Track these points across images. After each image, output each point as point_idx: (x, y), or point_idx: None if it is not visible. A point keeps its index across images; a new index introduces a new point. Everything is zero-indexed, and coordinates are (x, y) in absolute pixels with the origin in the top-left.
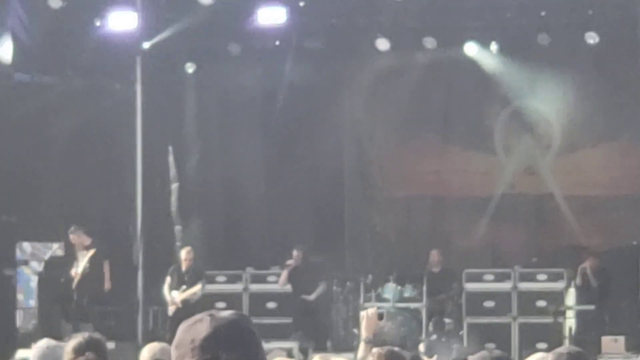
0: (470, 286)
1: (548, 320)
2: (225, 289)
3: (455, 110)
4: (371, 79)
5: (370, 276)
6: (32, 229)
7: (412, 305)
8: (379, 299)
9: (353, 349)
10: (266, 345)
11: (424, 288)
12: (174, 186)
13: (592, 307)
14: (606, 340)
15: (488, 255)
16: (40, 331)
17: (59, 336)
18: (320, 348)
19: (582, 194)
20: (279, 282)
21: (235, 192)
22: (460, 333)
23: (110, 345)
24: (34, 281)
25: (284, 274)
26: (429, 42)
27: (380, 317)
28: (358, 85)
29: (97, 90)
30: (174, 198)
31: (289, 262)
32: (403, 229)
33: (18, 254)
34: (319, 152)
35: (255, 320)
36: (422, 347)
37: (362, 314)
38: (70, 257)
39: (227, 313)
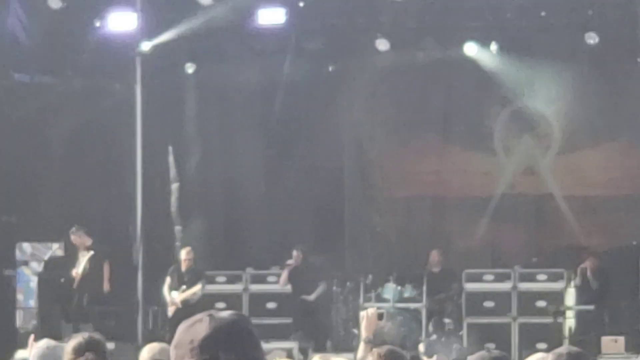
0: (470, 286)
1: (548, 320)
2: (225, 289)
3: (455, 110)
4: (371, 79)
5: (370, 276)
6: (32, 229)
7: (412, 305)
8: (379, 299)
9: (353, 349)
10: (266, 346)
11: (424, 288)
12: (174, 186)
13: (592, 307)
14: (606, 340)
15: (488, 256)
16: (40, 331)
17: (58, 336)
18: (320, 348)
19: (582, 194)
20: (279, 282)
21: (235, 193)
22: (460, 333)
23: (110, 345)
24: (33, 281)
25: (284, 273)
26: (429, 43)
27: (380, 317)
28: (358, 86)
29: (97, 91)
30: (174, 198)
31: (289, 262)
32: (403, 229)
33: (18, 254)
34: (318, 152)
35: (255, 321)
36: (421, 347)
37: (362, 314)
38: (70, 257)
39: (226, 313)
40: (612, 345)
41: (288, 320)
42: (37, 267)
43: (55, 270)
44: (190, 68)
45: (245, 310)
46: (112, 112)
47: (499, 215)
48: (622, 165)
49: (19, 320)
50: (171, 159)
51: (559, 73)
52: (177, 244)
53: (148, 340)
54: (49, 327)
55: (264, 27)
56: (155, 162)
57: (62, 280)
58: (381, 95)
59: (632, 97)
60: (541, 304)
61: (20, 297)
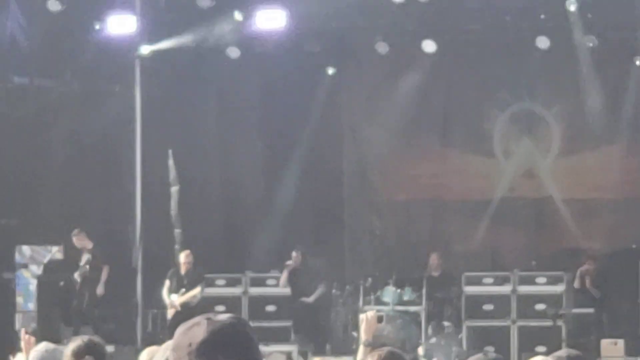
0: (470, 289)
1: (547, 323)
2: (225, 292)
3: (454, 113)
4: (370, 82)
5: (369, 279)
6: (31, 232)
7: (412, 308)
8: (379, 302)
9: (352, 352)
10: (265, 349)
11: (424, 291)
12: (174, 189)
13: (591, 310)
14: (605, 343)
15: (487, 259)
16: (40, 334)
17: (58, 339)
18: (320, 351)
19: (581, 197)
20: (279, 283)
21: (235, 196)
22: (460, 336)
23: (110, 348)
24: (33, 284)
25: (284, 274)
26: (428, 46)
27: (380, 320)
28: (357, 88)
29: (97, 94)
30: (173, 201)
31: (288, 262)
32: (402, 232)
33: (17, 257)
34: (318, 155)
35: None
36: (421, 350)
37: (362, 317)
38: (69, 260)
39: (224, 317)
40: (612, 348)
41: (287, 323)
42: (37, 270)
43: (54, 273)
44: (190, 71)
45: (244, 313)
46: (112, 115)
47: (499, 218)
48: (621, 168)
49: (18, 324)
50: (171, 162)
51: (558, 76)
52: (177, 247)
53: (147, 343)
54: (48, 330)
55: (263, 30)
56: (154, 165)
57: (62, 283)
58: (380, 98)
59: (631, 100)
60: (540, 307)
61: (19, 300)
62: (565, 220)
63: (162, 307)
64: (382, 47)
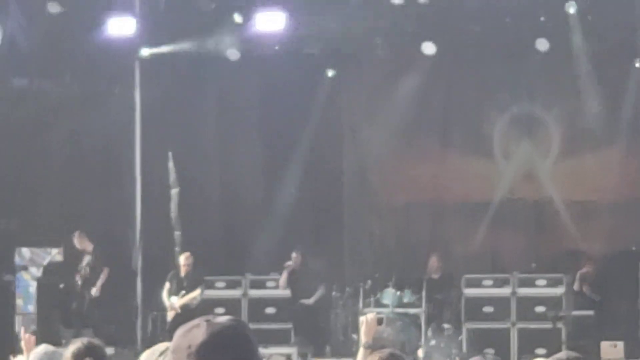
0: (469, 291)
1: (547, 325)
2: (224, 295)
3: (454, 115)
4: (370, 83)
5: (369, 281)
6: (31, 234)
7: (411, 310)
8: (378, 304)
9: (352, 354)
10: (265, 351)
11: (423, 293)
12: (173, 192)
13: (591, 312)
14: (605, 345)
15: (487, 261)
16: (39, 337)
17: (58, 342)
18: (319, 353)
19: (581, 200)
20: (279, 284)
21: (235, 198)
22: (460, 338)
23: (110, 350)
24: (33, 287)
25: (284, 275)
26: (428, 47)
27: (380, 322)
28: (357, 90)
29: (96, 96)
30: (173, 204)
31: (288, 263)
32: (402, 234)
33: (17, 259)
34: (318, 157)
35: (254, 326)
36: (421, 353)
37: (361, 319)
38: (68, 262)
39: (223, 319)
40: (611, 351)
41: (287, 326)
42: (36, 272)
43: (54, 276)
44: (189, 73)
45: (244, 316)
46: (112, 117)
47: (498, 220)
48: (621, 170)
49: (18, 326)
50: (171, 164)
51: (558, 78)
52: (176, 249)
53: (147, 345)
54: (48, 333)
55: (263, 32)
56: (154, 167)
57: (62, 285)
58: (380, 100)
59: (630, 102)
60: (540, 309)
61: (19, 302)
62: (565, 222)
63: (162, 309)
64: (381, 49)
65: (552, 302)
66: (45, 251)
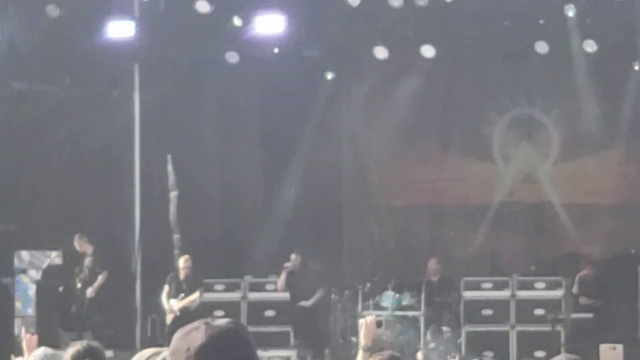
0: (469, 294)
1: (546, 328)
2: (224, 297)
3: (453, 118)
4: (369, 87)
5: (368, 284)
6: (30, 237)
7: (411, 313)
8: (377, 307)
9: (351, 357)
10: (264, 354)
11: (422, 296)
12: (173, 194)
13: (590, 315)
14: (604, 348)
15: (486, 264)
16: (39, 340)
17: (57, 345)
18: (319, 356)
19: (580, 202)
20: (277, 285)
21: (234, 201)
22: (459, 341)
23: (109, 353)
24: (32, 289)
25: (282, 276)
26: (427, 50)
27: (379, 325)
28: (356, 93)
29: (96, 99)
30: (172, 206)
31: (287, 264)
32: (401, 237)
33: (16, 262)
34: (317, 160)
35: (253, 329)
36: (420, 356)
37: (361, 322)
38: (68, 265)
39: (222, 322)
40: (611, 353)
41: (286, 329)
42: (36, 275)
43: (53, 279)
44: (189, 76)
45: (243, 318)
46: (111, 120)
47: (498, 223)
48: (620, 172)
49: (17, 329)
50: (170, 167)
51: (558, 81)
52: (176, 252)
53: (146, 348)
54: (47, 335)
55: (262, 35)
56: (153, 170)
57: (61, 288)
58: (379, 103)
59: (630, 105)
60: (539, 312)
61: (18, 305)
62: (565, 225)
63: (161, 312)
64: (381, 52)
65: (552, 305)
66: (44, 254)
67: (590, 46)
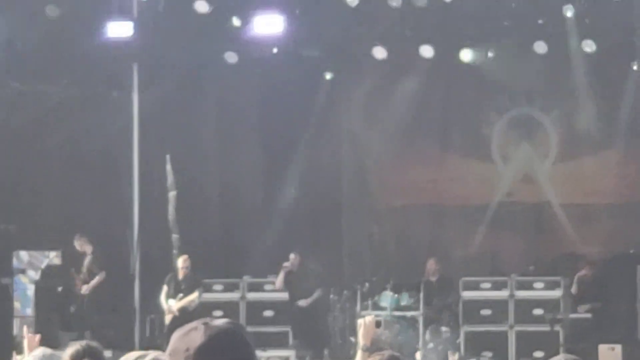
0: (467, 294)
1: (545, 328)
2: (222, 298)
3: (453, 118)
4: (368, 87)
5: (367, 284)
6: (29, 237)
7: (409, 313)
8: (376, 307)
9: (350, 357)
10: (263, 354)
11: (421, 296)
12: (171, 194)
13: (589, 315)
14: (603, 348)
15: (485, 264)
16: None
17: (56, 345)
18: (318, 356)
19: (579, 202)
20: (276, 284)
21: (233, 201)
22: (457, 341)
23: (108, 353)
24: (30, 290)
25: (281, 275)
26: (426, 50)
27: (378, 325)
28: (355, 94)
29: (95, 99)
30: (171, 206)
31: (285, 264)
32: (400, 237)
33: (15, 262)
34: (316, 160)
35: (252, 329)
36: (418, 356)
37: (360, 322)
38: (67, 265)
39: (221, 322)
40: (609, 354)
41: (285, 329)
42: (34, 275)
43: (52, 279)
44: (188, 76)
45: (242, 319)
46: (110, 120)
47: (497, 223)
48: (619, 173)
49: (15, 329)
50: (168, 167)
51: (557, 81)
52: (174, 252)
53: (145, 348)
54: (46, 336)
55: (261, 35)
56: (152, 170)
57: (60, 288)
58: (379, 103)
59: (629, 105)
60: (538, 312)
61: (17, 305)
62: (564, 225)
63: (160, 312)
64: (380, 52)
65: (550, 305)
66: (43, 254)
67: (589, 46)
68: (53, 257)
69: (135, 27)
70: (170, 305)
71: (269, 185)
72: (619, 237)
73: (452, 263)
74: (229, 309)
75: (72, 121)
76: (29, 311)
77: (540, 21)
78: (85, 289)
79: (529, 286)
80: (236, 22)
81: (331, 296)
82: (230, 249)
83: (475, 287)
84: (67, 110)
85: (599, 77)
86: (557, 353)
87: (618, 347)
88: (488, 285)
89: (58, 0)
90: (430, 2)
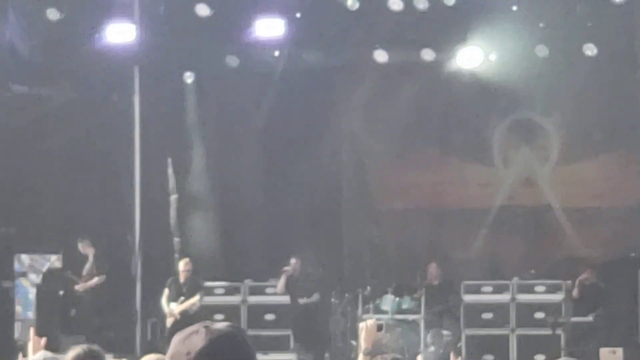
0: (469, 298)
1: (546, 332)
2: (224, 301)
3: (453, 121)
4: (369, 90)
5: (368, 288)
6: (30, 240)
7: (411, 317)
8: (378, 310)
9: None
10: (264, 357)
11: (423, 300)
12: (173, 198)
13: (590, 318)
14: (604, 352)
15: (486, 267)
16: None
17: (57, 348)
18: None
19: (580, 206)
20: (277, 288)
21: (234, 204)
22: (459, 345)
23: (109, 357)
24: (32, 293)
25: (282, 279)
26: (427, 54)
27: (379, 328)
28: (356, 97)
29: (95, 102)
30: (172, 210)
31: (286, 268)
32: (401, 240)
33: (16, 265)
34: (317, 164)
35: (253, 332)
36: (420, 359)
37: (361, 325)
38: (68, 269)
39: (222, 325)
40: (611, 357)
41: (287, 332)
42: (36, 278)
43: (53, 282)
44: (189, 79)
45: (243, 322)
46: (111, 123)
47: (498, 226)
48: (620, 176)
49: (17, 332)
50: (170, 170)
51: (558, 84)
52: (176, 255)
53: (146, 351)
54: (47, 339)
55: (262, 39)
56: (153, 174)
57: (61, 292)
58: (379, 107)
59: (630, 109)
60: (539, 315)
61: (18, 308)
62: (564, 228)
63: (162, 315)
64: (381, 56)
65: (552, 309)
66: (44, 257)
67: (590, 50)
68: (54, 261)
69: (137, 30)
70: (172, 308)
71: (270, 189)
72: (620, 241)
73: (453, 266)
74: (230, 312)
75: (74, 124)
76: (30, 314)
77: (541, 25)
78: (80, 286)
79: (530, 290)
80: (237, 25)
81: (332, 299)
82: (232, 253)
83: (477, 290)
84: (68, 113)
85: (600, 80)
86: (558, 356)
87: (619, 351)
88: (489, 288)
89: (59, 4)
90: (431, 5)
